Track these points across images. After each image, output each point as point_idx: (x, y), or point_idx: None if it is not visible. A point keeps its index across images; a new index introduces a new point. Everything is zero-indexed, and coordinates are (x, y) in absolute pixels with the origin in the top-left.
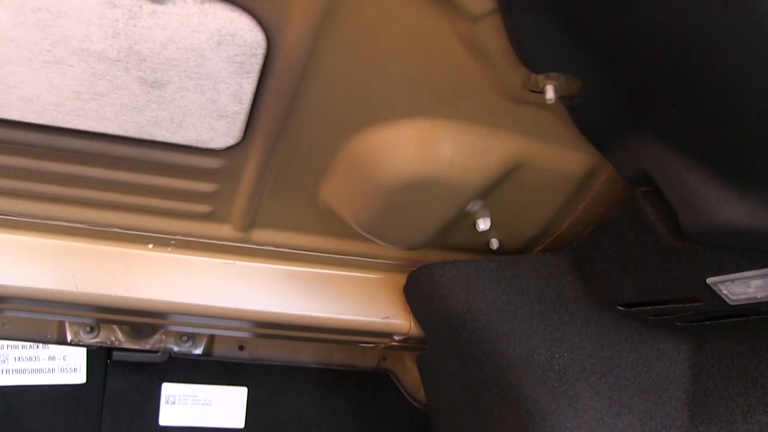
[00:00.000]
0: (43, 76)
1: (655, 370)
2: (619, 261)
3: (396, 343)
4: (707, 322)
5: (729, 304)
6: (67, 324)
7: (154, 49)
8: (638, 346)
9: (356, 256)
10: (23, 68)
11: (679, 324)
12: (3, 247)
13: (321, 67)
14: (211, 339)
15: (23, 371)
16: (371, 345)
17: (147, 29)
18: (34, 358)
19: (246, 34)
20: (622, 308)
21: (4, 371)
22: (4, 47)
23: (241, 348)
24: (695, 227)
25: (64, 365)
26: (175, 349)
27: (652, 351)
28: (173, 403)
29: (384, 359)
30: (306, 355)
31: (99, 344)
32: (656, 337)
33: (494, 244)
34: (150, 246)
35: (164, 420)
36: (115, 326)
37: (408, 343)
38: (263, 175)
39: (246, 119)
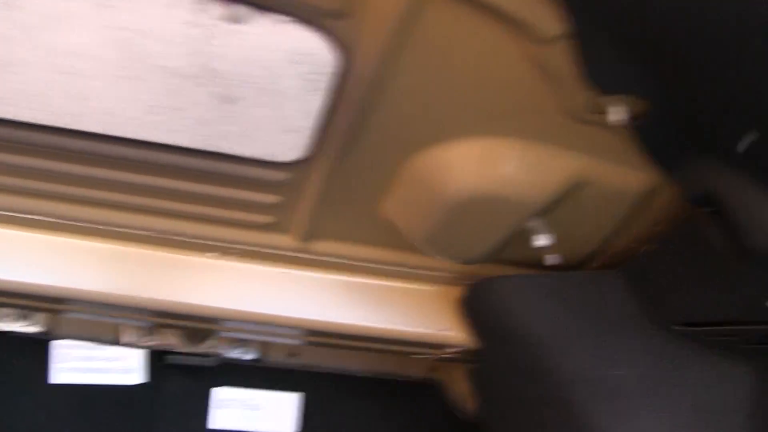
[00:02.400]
0: (119, 90)
1: (714, 393)
2: (678, 280)
3: (449, 355)
4: None
5: None
6: (123, 326)
7: (229, 66)
8: (696, 366)
9: (413, 269)
10: (100, 83)
11: (740, 346)
12: (69, 252)
13: (390, 86)
14: (264, 345)
15: (80, 370)
16: (424, 356)
17: (224, 47)
18: (91, 358)
19: (319, 53)
20: (679, 328)
21: (64, 369)
22: (84, 63)
23: (293, 355)
24: (762, 250)
25: (119, 366)
26: (228, 354)
27: (712, 373)
28: (223, 407)
29: (435, 370)
30: (357, 364)
31: (153, 347)
32: (716, 359)
33: (550, 260)
34: (210, 254)
35: (213, 423)
36: (169, 330)
37: (461, 356)
38: (326, 188)
39: (314, 134)
